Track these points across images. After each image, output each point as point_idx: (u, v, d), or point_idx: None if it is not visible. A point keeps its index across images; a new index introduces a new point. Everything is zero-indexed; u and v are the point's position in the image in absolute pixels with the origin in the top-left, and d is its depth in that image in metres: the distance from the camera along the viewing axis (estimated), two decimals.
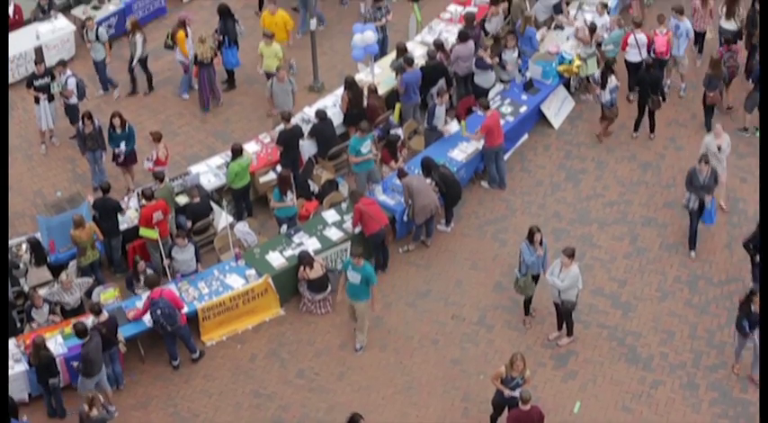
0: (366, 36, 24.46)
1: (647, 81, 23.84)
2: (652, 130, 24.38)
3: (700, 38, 25.78)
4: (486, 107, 22.97)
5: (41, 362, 18.85)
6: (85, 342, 18.70)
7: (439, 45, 24.73)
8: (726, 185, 22.44)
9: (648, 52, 24.62)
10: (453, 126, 23.73)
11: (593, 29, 25.04)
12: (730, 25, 25.40)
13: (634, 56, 24.86)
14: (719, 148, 21.88)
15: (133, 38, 25.54)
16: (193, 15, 27.75)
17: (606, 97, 23.86)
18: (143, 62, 25.86)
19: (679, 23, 24.60)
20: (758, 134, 23.89)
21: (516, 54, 24.70)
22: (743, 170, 23.44)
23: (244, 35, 26.16)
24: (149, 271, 20.58)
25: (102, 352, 19.06)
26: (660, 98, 23.88)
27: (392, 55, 25.16)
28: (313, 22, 25.20)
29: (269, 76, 24.60)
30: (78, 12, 27.70)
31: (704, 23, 25.77)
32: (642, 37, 24.71)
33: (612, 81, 23.78)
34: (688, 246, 21.71)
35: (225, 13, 25.80)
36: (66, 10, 28.02)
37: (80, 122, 23.26)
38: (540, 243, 19.89)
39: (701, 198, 21.20)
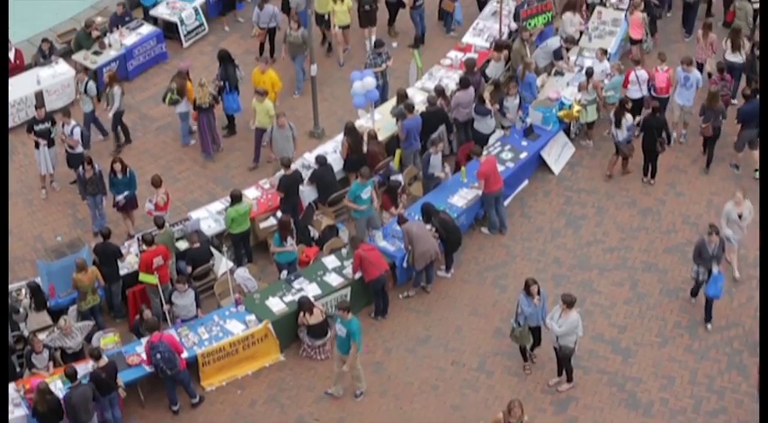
0: (366, 82, 24.75)
1: (653, 125, 24.14)
2: (653, 175, 24.68)
3: (699, 69, 25.98)
4: (479, 154, 23.24)
5: (49, 407, 18.91)
6: (72, 387, 18.87)
7: (440, 91, 25.04)
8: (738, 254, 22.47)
9: (648, 90, 25.05)
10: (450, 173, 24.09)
11: (589, 74, 25.35)
12: (736, 58, 25.85)
13: (635, 92, 25.31)
14: (740, 216, 21.86)
15: (111, 90, 25.55)
16: (194, 61, 28.27)
17: (623, 135, 24.28)
18: (118, 116, 25.84)
19: (689, 75, 24.67)
20: (758, 175, 24.17)
21: (517, 101, 25.01)
22: None
23: (244, 80, 26.47)
24: (147, 313, 20.73)
25: (102, 397, 19.21)
26: (666, 140, 24.20)
27: (393, 101, 25.44)
28: (314, 68, 25.48)
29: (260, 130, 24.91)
30: (79, 57, 27.96)
31: (705, 55, 26.26)
32: (643, 73, 25.23)
33: (629, 119, 24.22)
34: (704, 319, 21.48)
35: (225, 59, 26.10)
36: (67, 55, 28.28)
37: (81, 167, 23.48)
38: (538, 293, 20.07)
39: (709, 269, 21.08)
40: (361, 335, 20.03)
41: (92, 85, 25.63)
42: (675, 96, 24.89)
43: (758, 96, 24.05)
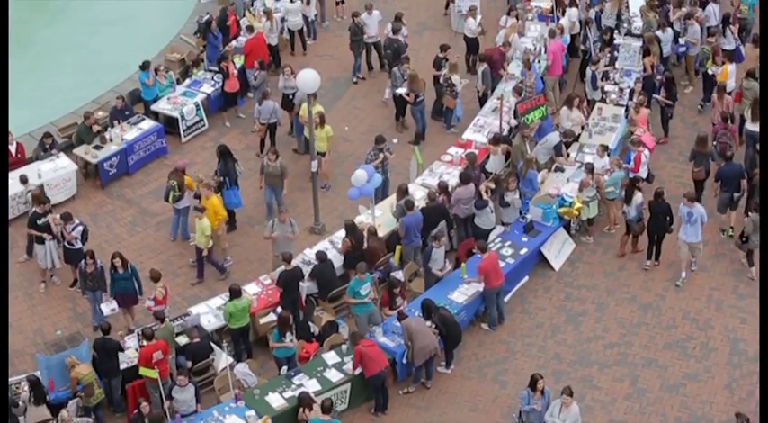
0: (358, 176, 25.12)
1: (658, 210, 24.99)
2: (657, 257, 25.39)
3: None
4: (484, 249, 23.87)
5: None
6: None
7: (443, 188, 25.71)
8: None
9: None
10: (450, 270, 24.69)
11: (590, 169, 26.07)
12: (755, 127, 26.80)
13: (645, 172, 26.45)
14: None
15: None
16: (194, 156, 28.91)
17: (633, 213, 25.23)
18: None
19: (692, 211, 24.43)
20: (731, 232, 25.64)
21: (518, 196, 25.67)
22: (743, 311, 24.37)
23: (243, 175, 27.10)
24: (145, 406, 21.06)
25: None
26: (670, 223, 25.07)
27: (393, 197, 26.00)
28: (314, 164, 26.14)
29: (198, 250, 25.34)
30: (80, 151, 28.55)
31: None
32: (647, 151, 26.37)
33: (638, 197, 25.12)
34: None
35: (225, 154, 26.71)
36: (68, 149, 28.84)
37: (82, 261, 23.97)
38: (543, 392, 20.55)
39: None
40: None
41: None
42: (680, 234, 24.74)
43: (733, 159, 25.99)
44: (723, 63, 29.10)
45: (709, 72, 29.60)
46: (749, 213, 24.61)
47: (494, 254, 24.29)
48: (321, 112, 27.62)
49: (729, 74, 28.93)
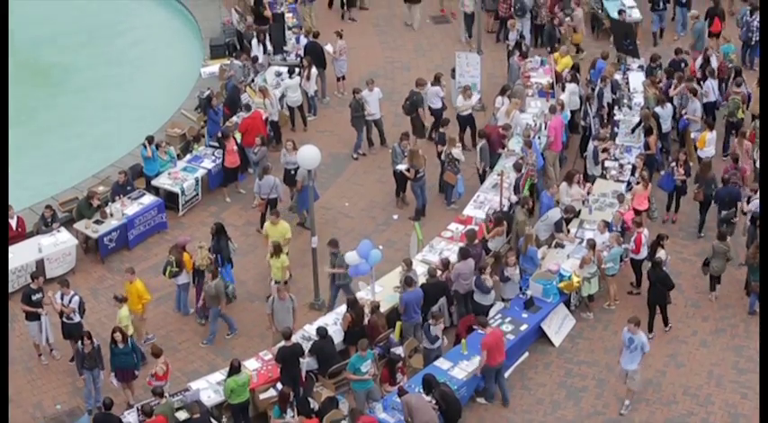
0: (351, 256, 25.63)
1: (656, 279, 25.71)
2: (665, 323, 26.06)
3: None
4: (485, 325, 24.34)
5: None
6: None
7: (446, 264, 26.18)
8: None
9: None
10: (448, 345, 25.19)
11: (592, 245, 26.62)
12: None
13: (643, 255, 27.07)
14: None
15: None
16: (194, 231, 29.28)
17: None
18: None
19: (633, 337, 23.64)
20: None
21: (518, 271, 26.15)
22: (743, 386, 24.78)
23: (235, 253, 27.56)
24: None
25: None
26: (669, 293, 25.86)
27: (396, 271, 26.45)
28: (314, 240, 26.51)
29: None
30: (81, 226, 29.02)
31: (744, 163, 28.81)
32: (645, 231, 27.06)
33: (663, 254, 25.99)
34: None
35: (219, 232, 27.23)
36: (68, 223, 29.27)
37: (79, 342, 24.34)
38: None
39: None
40: None
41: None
42: (621, 361, 24.01)
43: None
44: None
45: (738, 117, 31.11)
46: (715, 241, 26.77)
47: (499, 332, 24.70)
48: (277, 242, 26.79)
49: (708, 141, 30.00)
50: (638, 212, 28.42)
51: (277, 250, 26.48)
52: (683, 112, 31.40)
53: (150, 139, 30.58)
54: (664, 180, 29.44)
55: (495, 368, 24.22)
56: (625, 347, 23.75)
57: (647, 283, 26.16)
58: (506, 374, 24.90)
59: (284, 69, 34.36)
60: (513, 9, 36.87)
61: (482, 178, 30.50)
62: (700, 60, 33.36)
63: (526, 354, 25.81)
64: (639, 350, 23.65)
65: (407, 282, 25.18)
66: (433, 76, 32.77)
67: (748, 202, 27.49)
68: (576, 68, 33.17)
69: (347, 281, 26.41)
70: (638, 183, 28.85)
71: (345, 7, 40.31)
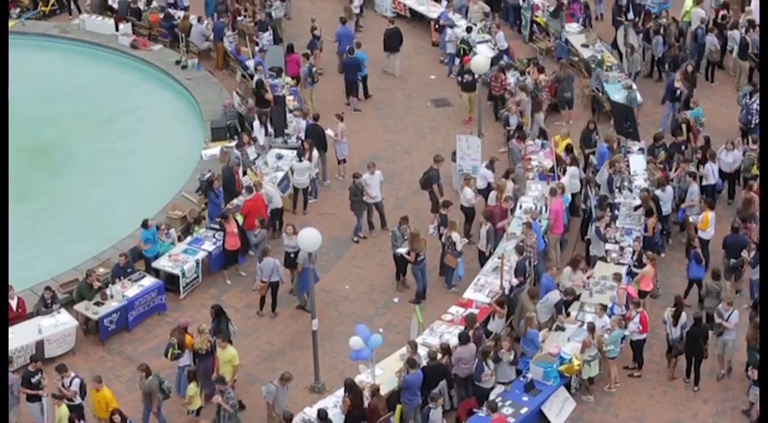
0: (354, 340, 26.00)
1: (698, 334, 26.62)
2: (696, 382, 26.89)
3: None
4: (494, 409, 24.81)
5: None
6: None
7: (446, 349, 26.50)
8: None
9: None
10: None
11: (591, 329, 26.96)
12: None
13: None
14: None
15: None
16: (195, 313, 29.51)
17: (677, 333, 26.85)
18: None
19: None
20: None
21: (512, 356, 26.38)
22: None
23: (236, 335, 27.81)
24: None
25: None
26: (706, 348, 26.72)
27: (398, 352, 26.86)
28: (315, 322, 26.73)
29: None
30: (81, 307, 29.32)
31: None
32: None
33: (683, 317, 26.69)
34: None
35: (219, 314, 27.59)
36: (68, 305, 29.59)
37: None
38: None
39: None
40: None
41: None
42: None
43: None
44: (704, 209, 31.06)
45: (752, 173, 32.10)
46: (708, 280, 28.33)
47: (503, 419, 25.08)
48: (229, 354, 26.72)
49: (710, 221, 30.52)
50: (642, 294, 28.78)
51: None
52: (683, 204, 31.99)
53: (146, 223, 31.04)
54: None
55: None
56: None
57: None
58: None
59: (286, 152, 34.87)
60: (505, 90, 37.60)
61: (482, 261, 30.77)
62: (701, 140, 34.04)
63: None
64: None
65: (410, 363, 25.49)
66: (433, 159, 33.29)
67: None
68: (569, 150, 33.63)
69: None
70: (644, 264, 29.25)
71: (350, 96, 40.23)
